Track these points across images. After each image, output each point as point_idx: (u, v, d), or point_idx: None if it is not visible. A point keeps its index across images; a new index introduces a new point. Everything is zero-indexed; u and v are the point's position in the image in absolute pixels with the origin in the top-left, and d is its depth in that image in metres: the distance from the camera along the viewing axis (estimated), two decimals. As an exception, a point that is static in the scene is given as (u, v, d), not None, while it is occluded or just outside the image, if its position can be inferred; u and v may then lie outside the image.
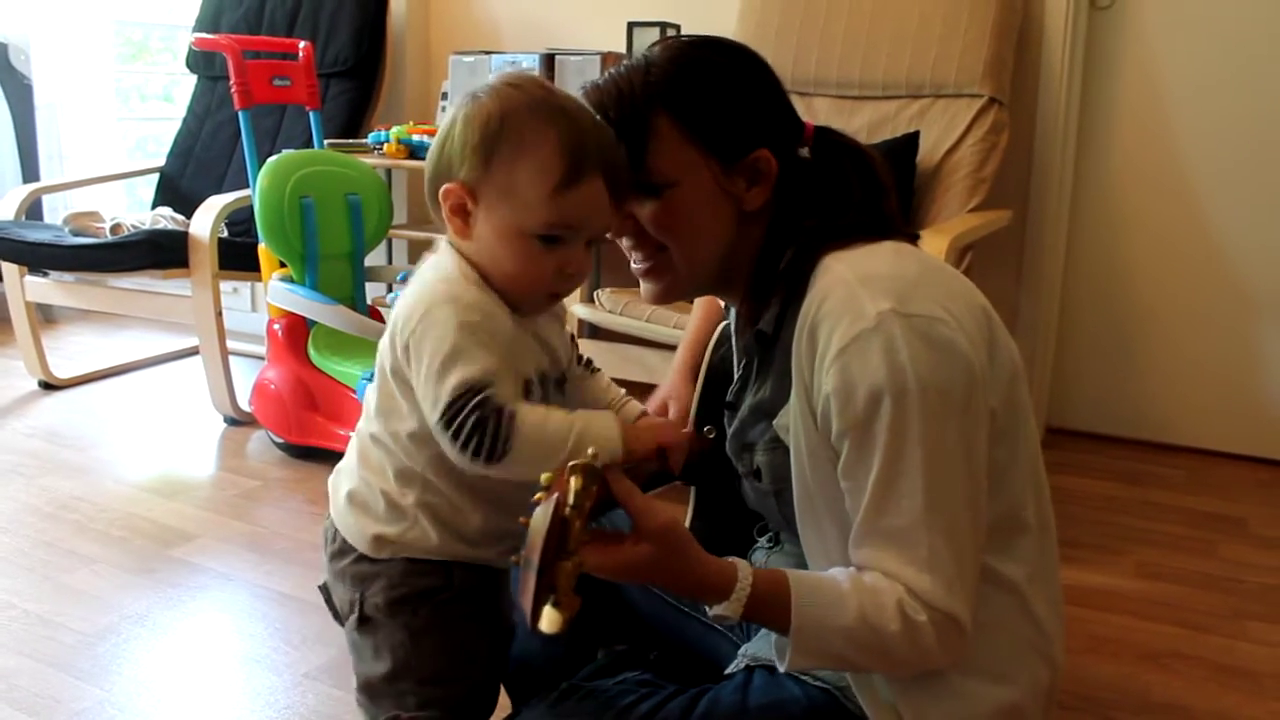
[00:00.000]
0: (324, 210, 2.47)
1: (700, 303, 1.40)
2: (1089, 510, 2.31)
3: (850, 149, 1.02)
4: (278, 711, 1.52)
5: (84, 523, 2.15)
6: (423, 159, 2.89)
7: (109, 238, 2.77)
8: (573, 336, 1.10)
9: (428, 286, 0.94)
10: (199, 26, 3.36)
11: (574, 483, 0.75)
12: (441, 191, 0.94)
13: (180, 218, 2.93)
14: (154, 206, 3.19)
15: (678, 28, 2.75)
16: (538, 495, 0.77)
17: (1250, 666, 1.69)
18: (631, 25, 2.78)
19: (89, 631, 1.72)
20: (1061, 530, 1.02)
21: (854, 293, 0.88)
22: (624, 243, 1.00)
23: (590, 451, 0.81)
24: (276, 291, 2.49)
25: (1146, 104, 2.61)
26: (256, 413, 2.61)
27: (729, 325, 1.17)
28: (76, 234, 2.82)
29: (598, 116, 0.94)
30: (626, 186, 0.95)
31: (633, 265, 1.02)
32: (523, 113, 0.91)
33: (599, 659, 1.18)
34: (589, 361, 1.13)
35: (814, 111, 2.56)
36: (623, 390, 1.13)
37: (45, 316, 3.63)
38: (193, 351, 3.23)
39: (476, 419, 0.87)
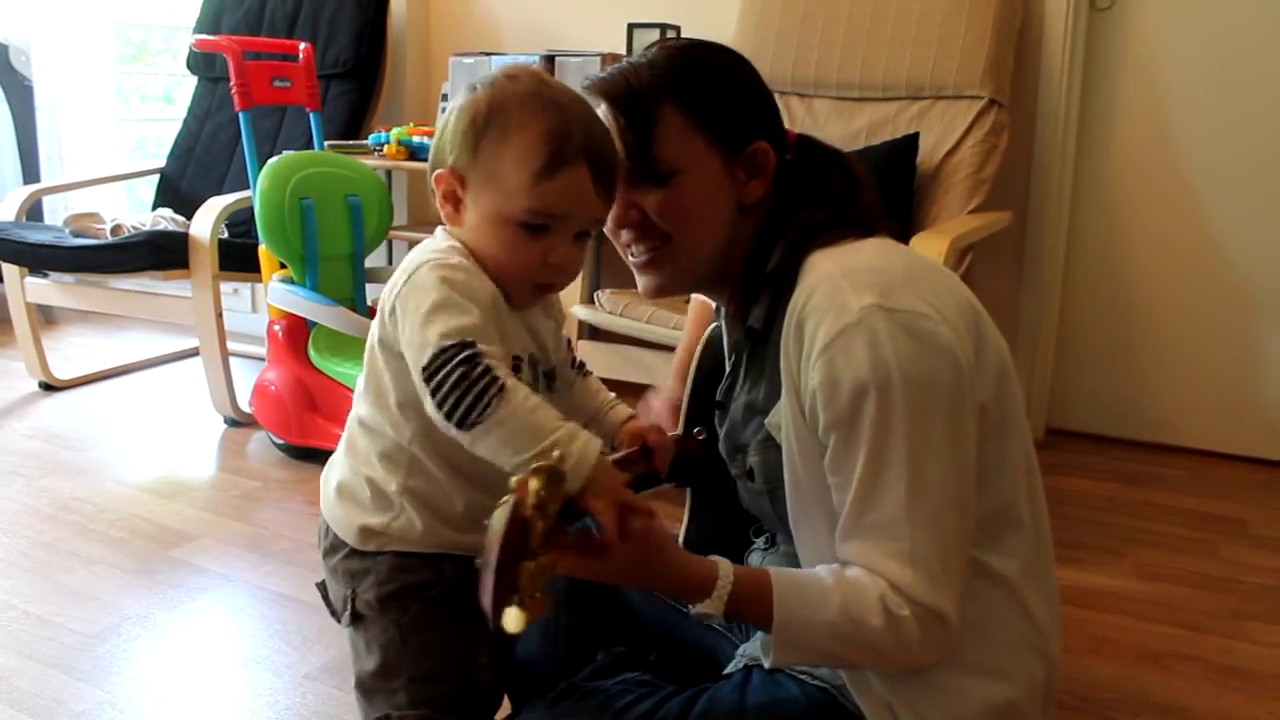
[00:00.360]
0: (324, 211, 2.47)
1: (695, 306, 1.40)
2: (1089, 511, 2.31)
3: (829, 152, 1.04)
4: (278, 712, 1.52)
5: (84, 524, 2.15)
6: (423, 160, 2.92)
7: (109, 239, 2.77)
8: (569, 341, 1.11)
9: (416, 257, 0.95)
10: (199, 28, 3.36)
11: (533, 484, 0.74)
12: (434, 177, 0.96)
13: (180, 219, 2.93)
14: (154, 208, 3.20)
15: (678, 29, 2.75)
16: (505, 499, 0.76)
17: (1250, 667, 1.69)
18: (631, 27, 2.79)
19: (89, 632, 1.72)
20: (1062, 531, 1.03)
21: (839, 287, 0.89)
22: (624, 235, 1.01)
23: (556, 454, 0.80)
24: (277, 293, 2.49)
25: (1146, 105, 2.61)
26: (257, 414, 2.61)
27: (718, 326, 1.17)
28: (77, 235, 2.82)
29: (596, 110, 0.95)
30: (615, 180, 0.95)
31: (631, 259, 1.02)
32: (512, 102, 0.93)
33: (598, 660, 1.18)
34: (581, 364, 1.13)
35: (814, 113, 2.56)
36: (613, 394, 1.14)
37: (45, 317, 3.64)
38: (193, 353, 3.23)
39: (462, 374, 0.84)
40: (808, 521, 0.95)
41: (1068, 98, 2.60)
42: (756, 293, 0.99)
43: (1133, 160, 2.65)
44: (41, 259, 2.80)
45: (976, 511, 0.92)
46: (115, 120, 3.77)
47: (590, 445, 0.85)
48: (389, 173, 3.11)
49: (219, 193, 2.93)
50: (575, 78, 2.86)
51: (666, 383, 1.30)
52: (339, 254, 2.52)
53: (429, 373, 0.86)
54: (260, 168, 2.45)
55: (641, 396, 1.30)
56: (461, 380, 0.85)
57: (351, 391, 2.55)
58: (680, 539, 1.20)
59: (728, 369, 1.08)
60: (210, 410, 2.80)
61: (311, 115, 2.83)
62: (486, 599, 0.73)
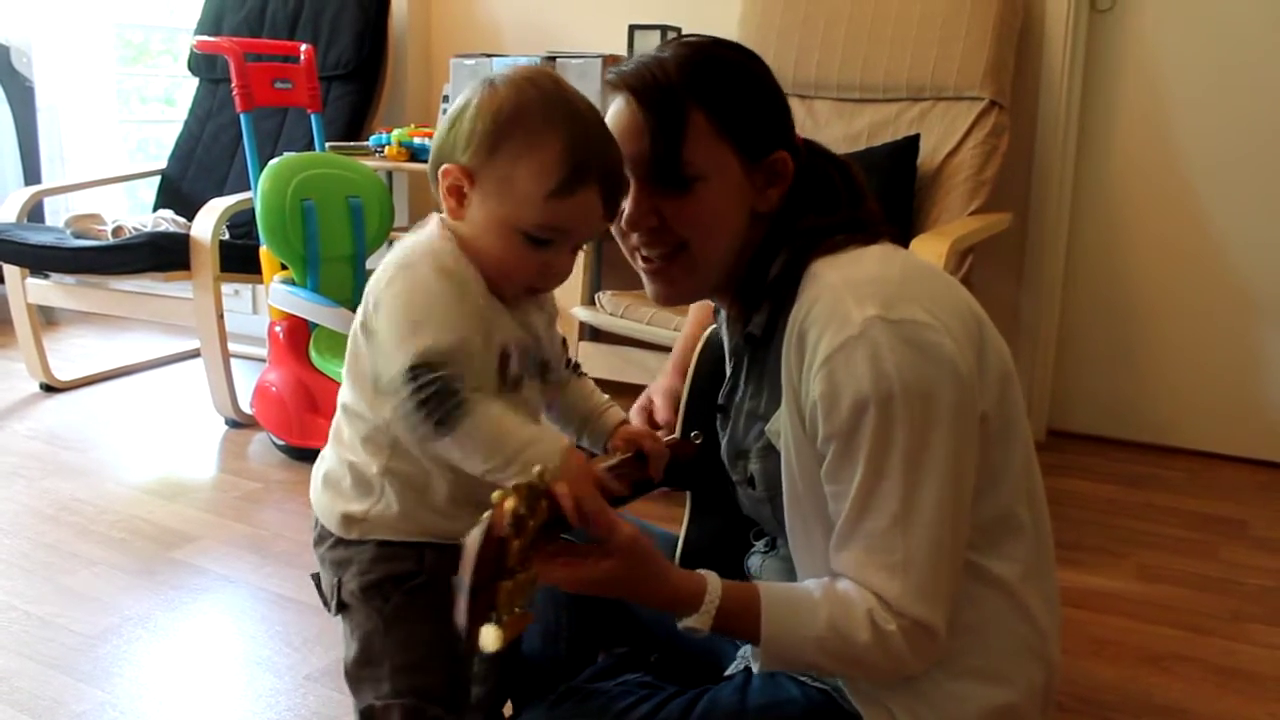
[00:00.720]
0: (325, 213, 2.47)
1: (694, 304, 1.40)
2: (1090, 513, 2.31)
3: (831, 156, 1.04)
4: (279, 713, 1.52)
5: (85, 525, 2.15)
6: (424, 162, 2.91)
7: (110, 240, 2.77)
8: (564, 341, 1.11)
9: (405, 248, 0.95)
10: (200, 29, 3.36)
11: (509, 504, 0.74)
12: (441, 170, 0.95)
13: (182, 220, 2.93)
14: (155, 209, 3.20)
15: (678, 30, 2.75)
16: (485, 514, 0.76)
17: (1251, 669, 1.69)
18: (633, 28, 2.79)
19: (90, 633, 1.72)
20: (1062, 533, 1.03)
21: (841, 298, 0.89)
22: (635, 238, 0.99)
23: (536, 469, 0.80)
24: (278, 294, 2.49)
25: (1147, 106, 2.61)
26: (258, 415, 2.61)
27: (717, 330, 1.17)
28: (78, 236, 2.83)
29: (623, 107, 0.94)
30: (621, 199, 0.95)
31: (642, 264, 1.01)
32: (535, 109, 0.92)
33: (599, 661, 1.18)
34: (576, 365, 1.13)
35: (815, 114, 2.56)
36: (607, 397, 1.13)
37: (46, 319, 3.64)
38: (194, 354, 3.23)
39: (434, 390, 0.87)
40: (804, 530, 0.95)
41: (1068, 99, 2.60)
42: (758, 298, 0.98)
43: (1133, 162, 2.65)
44: (42, 260, 2.80)
45: (978, 517, 0.92)
46: (116, 121, 3.77)
47: (556, 442, 0.89)
48: (390, 174, 3.11)
49: (220, 194, 2.93)
50: (576, 79, 2.85)
51: (663, 376, 1.30)
52: (340, 255, 2.53)
53: (404, 380, 0.88)
54: (261, 169, 2.46)
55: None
56: (434, 394, 0.87)
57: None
58: (680, 542, 1.20)
59: (728, 372, 1.08)
60: (211, 411, 2.80)
61: (313, 117, 2.84)
62: (461, 620, 0.73)
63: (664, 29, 2.76)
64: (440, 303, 0.90)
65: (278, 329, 2.53)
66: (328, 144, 2.89)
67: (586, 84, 2.84)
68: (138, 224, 2.86)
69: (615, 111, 0.96)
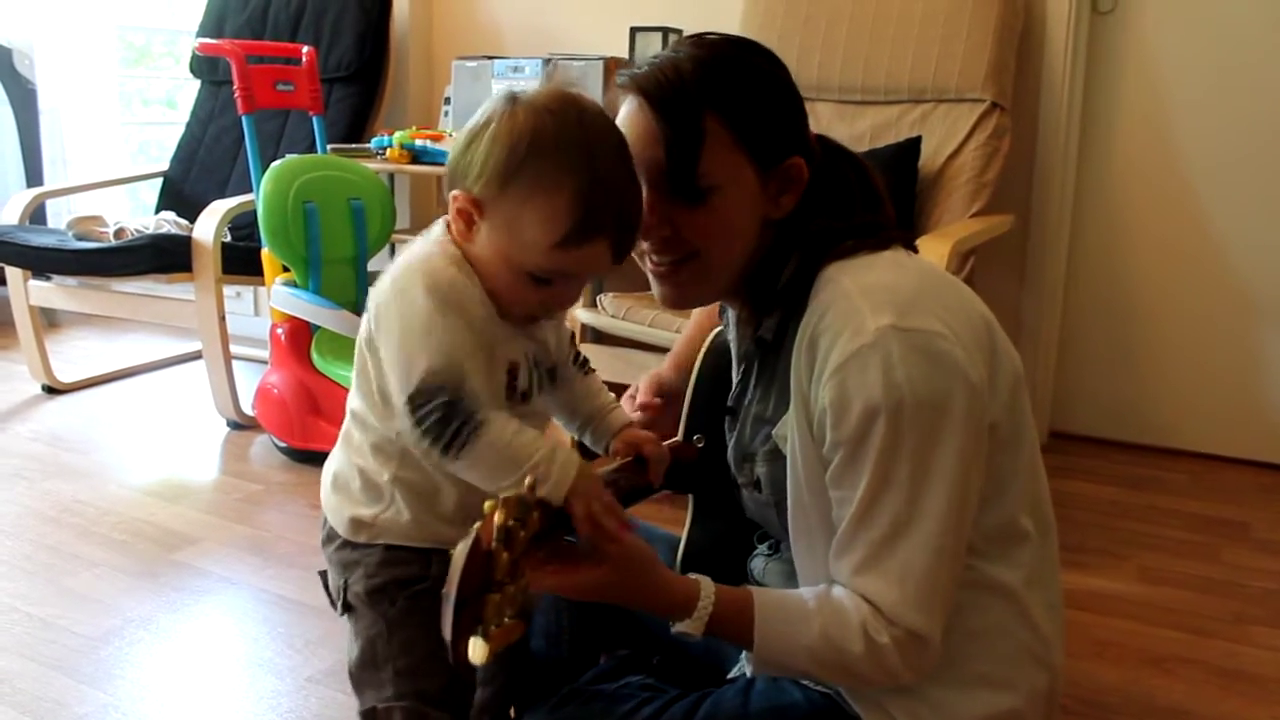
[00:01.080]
0: (327, 215, 2.47)
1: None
2: (1092, 515, 2.31)
3: (849, 155, 1.02)
4: (280, 715, 1.52)
5: (87, 526, 2.15)
6: (425, 164, 2.91)
7: (112, 242, 2.77)
8: (572, 335, 1.10)
9: (408, 260, 0.94)
10: (202, 31, 3.37)
11: (498, 518, 0.74)
12: (451, 194, 0.93)
13: (184, 222, 2.93)
14: (157, 211, 3.20)
15: (679, 32, 2.76)
16: (476, 525, 0.76)
17: (1253, 671, 1.69)
18: (634, 30, 2.79)
19: (92, 635, 1.72)
20: (1064, 535, 1.02)
21: (854, 306, 0.88)
22: (645, 245, 0.97)
23: (528, 480, 0.80)
24: (279, 296, 2.49)
25: (1148, 108, 2.61)
26: (259, 417, 2.61)
27: (722, 334, 1.16)
28: (80, 238, 2.83)
29: (639, 114, 0.91)
30: (633, 246, 0.94)
31: (650, 268, 1.00)
32: (549, 148, 0.88)
33: (601, 664, 1.18)
34: (585, 361, 1.12)
35: (816, 116, 2.56)
36: (613, 396, 1.13)
37: (48, 320, 3.64)
38: (196, 356, 3.23)
39: (441, 416, 0.86)
40: (807, 535, 0.95)
41: (1069, 101, 2.60)
42: (769, 302, 0.98)
43: (1134, 164, 2.65)
44: (45, 262, 2.80)
45: (983, 523, 0.92)
46: (118, 124, 3.77)
47: (570, 460, 0.88)
48: (392, 176, 3.11)
49: (222, 196, 2.93)
50: (577, 82, 2.87)
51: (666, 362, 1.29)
52: (342, 257, 2.53)
53: (411, 405, 0.88)
54: (263, 171, 2.46)
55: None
56: (442, 420, 0.87)
57: (354, 395, 2.54)
58: (682, 544, 1.20)
59: (737, 376, 1.07)
60: (213, 413, 2.80)
61: (314, 119, 2.84)
62: (446, 632, 0.73)
63: (665, 31, 2.76)
64: (436, 327, 0.89)
65: (279, 331, 2.53)
66: (329, 146, 2.89)
67: (588, 86, 2.83)
68: (140, 226, 2.86)
69: (628, 115, 0.94)
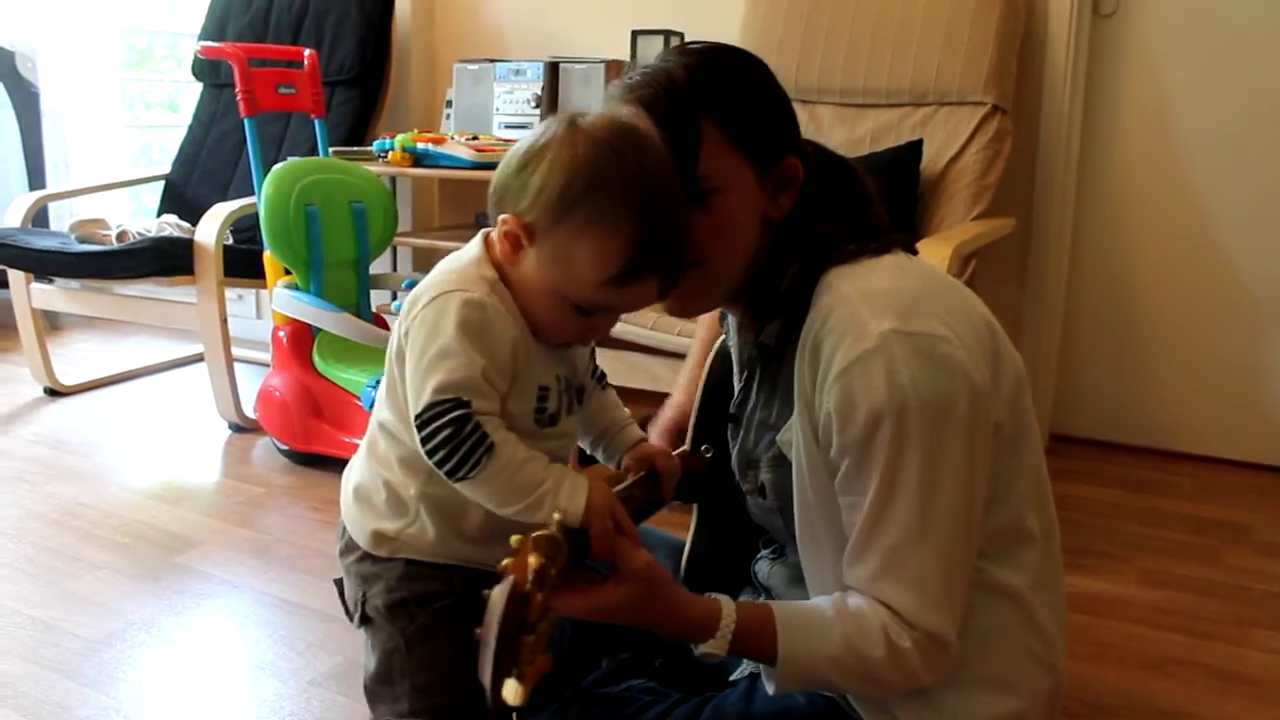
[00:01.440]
0: (329, 218, 2.47)
1: (702, 321, 1.40)
2: (1094, 517, 2.31)
3: (838, 159, 1.03)
4: (282, 718, 1.52)
5: (89, 529, 2.15)
6: (427, 167, 2.91)
7: (115, 245, 2.78)
8: (593, 350, 1.10)
9: (442, 274, 0.94)
10: (204, 34, 3.37)
11: (533, 560, 0.74)
12: (501, 216, 0.92)
13: (186, 225, 2.94)
14: (159, 214, 3.21)
15: (681, 36, 2.76)
16: (504, 563, 0.76)
17: (1255, 674, 1.69)
18: (635, 34, 2.79)
19: (94, 638, 1.73)
20: (1066, 537, 1.03)
21: (856, 311, 0.88)
22: None
23: (555, 517, 0.80)
24: (281, 299, 2.49)
25: (1149, 111, 2.61)
26: (261, 419, 2.61)
27: (725, 341, 1.16)
28: (82, 241, 2.83)
29: (681, 199, 0.91)
30: (679, 282, 0.93)
31: None
32: (613, 186, 0.87)
33: (603, 667, 1.18)
34: (602, 375, 1.12)
35: (818, 120, 2.57)
36: (627, 411, 1.12)
37: (51, 323, 3.64)
38: (198, 358, 3.23)
39: (451, 433, 0.87)
40: (813, 540, 0.95)
41: (1071, 104, 2.60)
42: (770, 308, 0.98)
43: (1136, 166, 2.65)
44: (47, 265, 2.81)
45: (989, 526, 0.92)
46: (120, 127, 3.78)
47: (578, 484, 0.89)
48: (394, 179, 3.11)
49: (224, 199, 2.94)
50: (579, 85, 2.88)
51: (674, 395, 1.29)
52: (343, 260, 2.53)
53: (420, 423, 0.88)
54: (265, 174, 2.46)
55: (651, 418, 1.29)
56: (450, 439, 0.87)
57: (355, 398, 2.57)
58: (687, 549, 1.20)
59: (739, 382, 1.07)
60: (215, 416, 2.80)
61: (316, 122, 2.84)
62: (485, 676, 0.73)
63: (666, 34, 2.77)
64: (455, 349, 0.88)
65: (281, 334, 2.53)
66: (331, 149, 2.89)
67: (590, 89, 2.85)
68: (142, 229, 2.87)
69: None
